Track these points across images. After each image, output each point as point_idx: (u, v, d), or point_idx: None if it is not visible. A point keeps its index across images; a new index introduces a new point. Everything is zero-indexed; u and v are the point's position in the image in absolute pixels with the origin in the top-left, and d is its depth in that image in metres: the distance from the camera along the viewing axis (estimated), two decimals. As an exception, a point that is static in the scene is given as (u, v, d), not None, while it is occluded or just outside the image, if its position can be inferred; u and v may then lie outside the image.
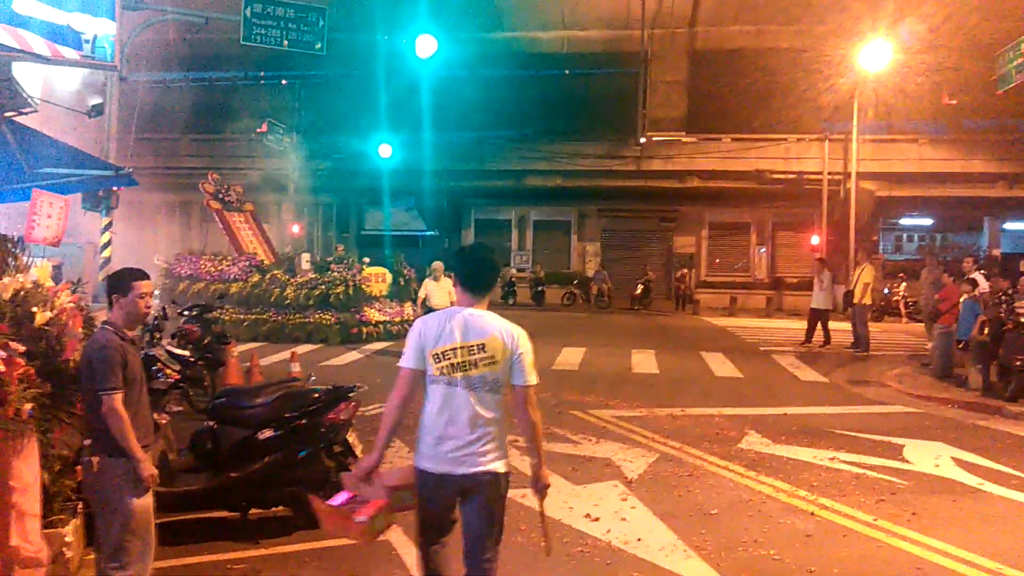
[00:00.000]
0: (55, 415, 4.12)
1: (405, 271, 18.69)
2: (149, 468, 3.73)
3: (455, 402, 3.51)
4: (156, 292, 16.23)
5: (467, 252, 3.80)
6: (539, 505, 3.80)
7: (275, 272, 17.57)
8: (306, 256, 18.33)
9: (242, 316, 16.94)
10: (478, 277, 3.69)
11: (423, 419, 3.59)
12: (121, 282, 3.88)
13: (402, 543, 5.29)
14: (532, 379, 3.60)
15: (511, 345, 3.57)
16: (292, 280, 17.13)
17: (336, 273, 17.06)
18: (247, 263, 17.89)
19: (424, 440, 3.57)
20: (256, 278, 17.43)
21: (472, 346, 3.52)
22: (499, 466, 3.56)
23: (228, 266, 17.85)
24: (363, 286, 17.15)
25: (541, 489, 3.71)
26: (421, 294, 13.70)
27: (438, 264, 13.61)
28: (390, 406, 3.59)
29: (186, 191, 29.82)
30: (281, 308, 16.84)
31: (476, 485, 3.52)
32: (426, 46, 18.27)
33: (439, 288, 13.26)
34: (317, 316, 16.61)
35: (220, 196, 20.09)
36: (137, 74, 17.82)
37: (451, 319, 3.57)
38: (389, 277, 18.32)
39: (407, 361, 3.58)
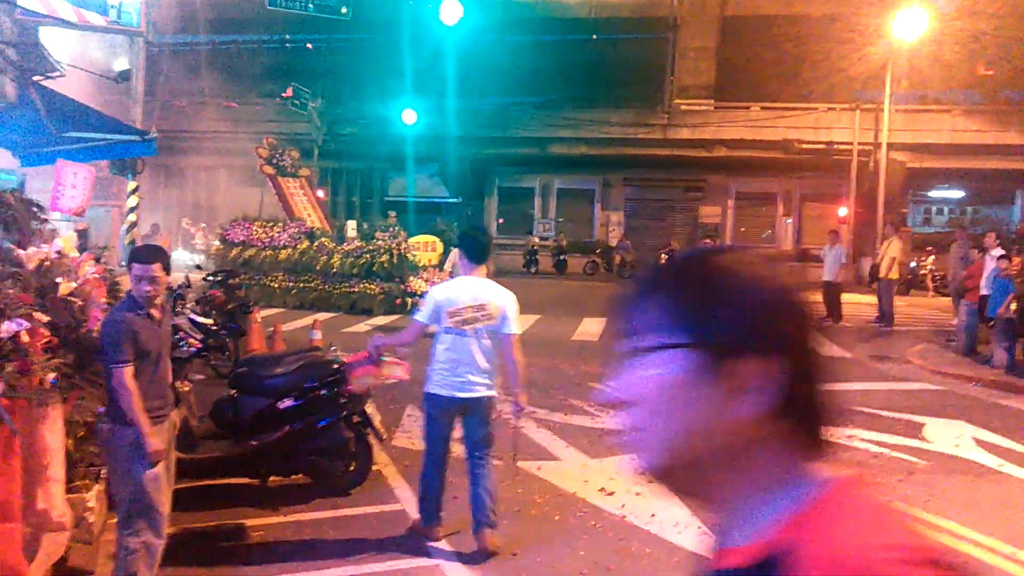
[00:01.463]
0: (77, 384, 4.20)
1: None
2: (155, 444, 3.77)
3: (462, 346, 4.72)
4: (200, 264, 16.19)
5: (470, 233, 5.12)
6: (514, 422, 5.19)
7: (323, 240, 17.28)
8: (351, 223, 17.78)
9: (291, 283, 16.81)
10: (479, 252, 4.90)
11: (436, 358, 4.79)
12: (129, 260, 3.96)
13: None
14: (516, 329, 4.83)
15: (502, 305, 4.79)
16: (339, 248, 16.80)
17: (381, 241, 16.55)
18: (297, 230, 17.63)
19: (437, 372, 4.78)
20: (304, 245, 17.16)
21: (477, 305, 4.74)
22: (489, 392, 4.80)
23: (279, 232, 17.58)
24: (408, 255, 16.54)
25: (518, 411, 4.93)
26: (447, 265, 12.81)
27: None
28: (401, 339, 5.10)
29: (212, 155, 30.03)
30: (328, 276, 16.58)
31: (474, 405, 4.78)
32: (451, 12, 18.14)
33: None
34: (362, 285, 16.27)
35: (274, 161, 19.74)
36: (163, 37, 17.80)
37: (461, 286, 4.84)
38: (440, 246, 17.84)
39: (423, 317, 4.82)
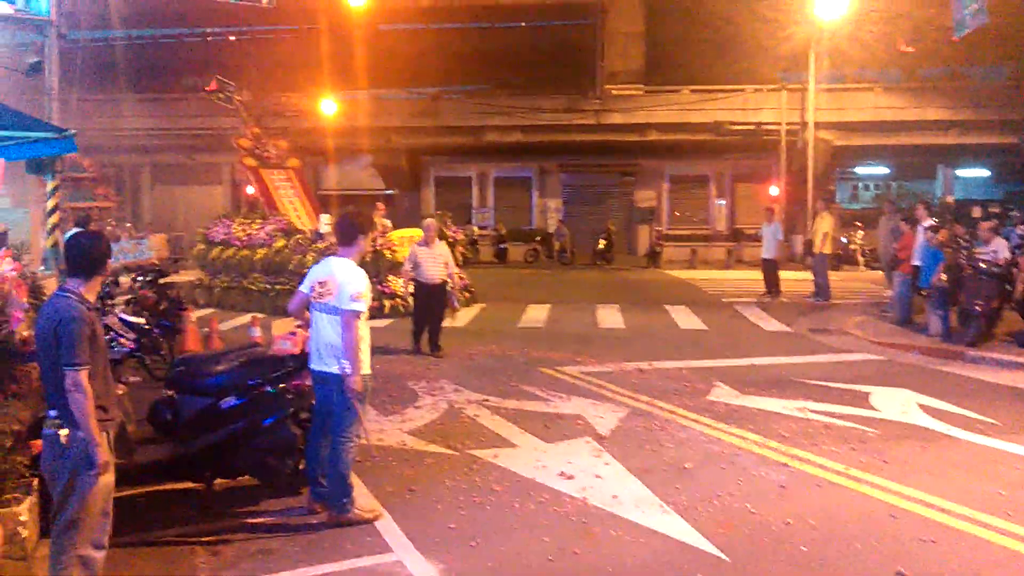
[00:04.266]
0: None
1: (450, 232, 15.62)
2: (104, 454, 3.53)
3: (314, 320, 5.11)
4: (128, 265, 15.48)
5: (343, 218, 5.49)
6: (352, 398, 4.96)
7: (298, 237, 15.65)
8: (325, 217, 16.53)
9: (268, 285, 15.30)
10: (345, 235, 5.21)
11: None
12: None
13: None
14: (348, 306, 4.90)
15: (341, 281, 4.95)
16: (314, 247, 15.14)
17: None
18: (275, 227, 16.09)
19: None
20: (281, 243, 15.54)
21: (321, 281, 5.05)
22: (333, 368, 4.93)
23: (256, 230, 16.15)
24: (386, 252, 14.53)
25: (350, 387, 4.87)
26: (407, 265, 10.79)
27: (431, 223, 11.16)
28: (290, 308, 5.42)
29: (133, 153, 28.96)
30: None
31: (320, 379, 5.06)
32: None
33: (431, 256, 10.52)
34: None
35: (257, 152, 18.44)
36: (77, 32, 17.00)
37: (323, 264, 5.22)
38: None
39: (303, 287, 5.19)
